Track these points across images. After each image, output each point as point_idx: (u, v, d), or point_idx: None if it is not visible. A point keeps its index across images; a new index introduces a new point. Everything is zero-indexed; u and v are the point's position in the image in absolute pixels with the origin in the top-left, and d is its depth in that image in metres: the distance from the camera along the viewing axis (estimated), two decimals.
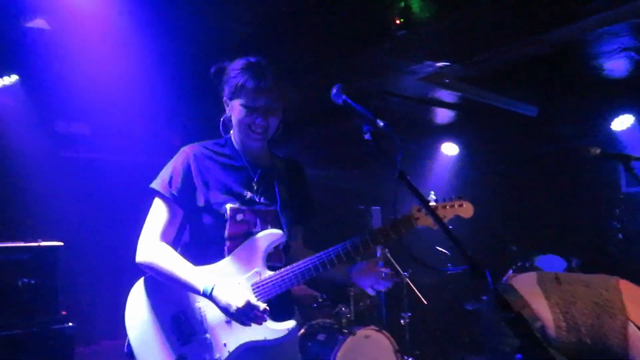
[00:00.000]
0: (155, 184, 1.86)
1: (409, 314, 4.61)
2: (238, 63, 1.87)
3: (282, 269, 1.79)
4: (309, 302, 4.78)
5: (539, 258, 4.77)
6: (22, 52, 3.23)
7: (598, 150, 2.57)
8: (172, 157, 1.93)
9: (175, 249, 1.87)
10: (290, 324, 1.77)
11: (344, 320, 4.02)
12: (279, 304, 1.80)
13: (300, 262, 1.79)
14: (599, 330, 2.53)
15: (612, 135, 4.98)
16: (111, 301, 2.55)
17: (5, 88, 3.63)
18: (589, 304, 2.61)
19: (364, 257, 1.90)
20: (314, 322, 4.20)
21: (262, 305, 1.68)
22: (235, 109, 1.86)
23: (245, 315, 1.65)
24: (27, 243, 3.03)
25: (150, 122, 4.51)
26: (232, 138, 1.96)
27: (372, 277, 1.87)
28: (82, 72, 3.45)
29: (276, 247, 1.87)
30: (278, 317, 1.76)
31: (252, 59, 1.87)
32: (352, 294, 4.17)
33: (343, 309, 4.12)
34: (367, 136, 1.40)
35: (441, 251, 5.66)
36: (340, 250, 1.76)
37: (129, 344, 1.76)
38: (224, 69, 1.90)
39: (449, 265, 5.97)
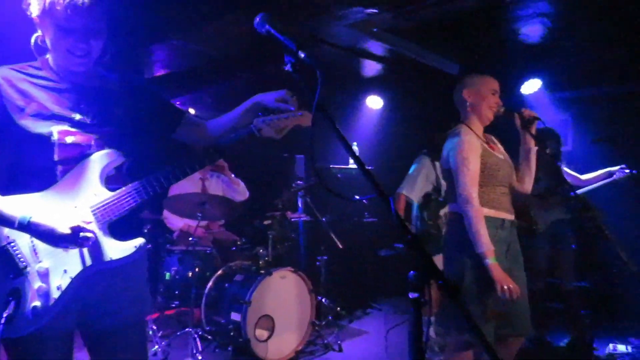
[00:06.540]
0: None
1: (325, 258, 4.80)
2: None
3: (122, 189, 1.68)
4: (228, 245, 4.83)
5: None
6: None
7: (502, 109, 2.76)
8: None
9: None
10: (138, 241, 1.69)
11: (262, 262, 4.11)
12: (124, 224, 1.70)
13: (143, 179, 1.69)
14: None
15: (522, 98, 5.32)
16: None
17: None
18: None
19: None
20: (232, 264, 4.25)
21: (89, 228, 1.59)
22: (48, 30, 1.60)
23: (72, 241, 1.55)
24: None
25: None
26: (50, 60, 1.71)
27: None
28: None
29: (118, 169, 1.73)
30: (123, 237, 1.68)
31: None
32: (271, 237, 4.25)
33: (261, 251, 4.20)
34: (287, 67, 1.35)
35: (359, 200, 5.88)
36: (186, 165, 1.71)
37: None
38: None
39: (366, 214, 6.28)
